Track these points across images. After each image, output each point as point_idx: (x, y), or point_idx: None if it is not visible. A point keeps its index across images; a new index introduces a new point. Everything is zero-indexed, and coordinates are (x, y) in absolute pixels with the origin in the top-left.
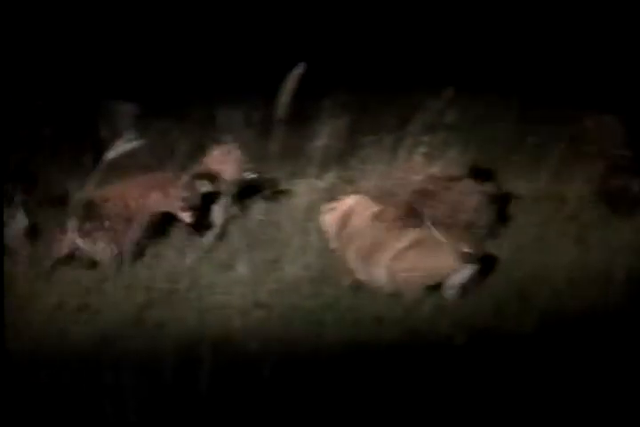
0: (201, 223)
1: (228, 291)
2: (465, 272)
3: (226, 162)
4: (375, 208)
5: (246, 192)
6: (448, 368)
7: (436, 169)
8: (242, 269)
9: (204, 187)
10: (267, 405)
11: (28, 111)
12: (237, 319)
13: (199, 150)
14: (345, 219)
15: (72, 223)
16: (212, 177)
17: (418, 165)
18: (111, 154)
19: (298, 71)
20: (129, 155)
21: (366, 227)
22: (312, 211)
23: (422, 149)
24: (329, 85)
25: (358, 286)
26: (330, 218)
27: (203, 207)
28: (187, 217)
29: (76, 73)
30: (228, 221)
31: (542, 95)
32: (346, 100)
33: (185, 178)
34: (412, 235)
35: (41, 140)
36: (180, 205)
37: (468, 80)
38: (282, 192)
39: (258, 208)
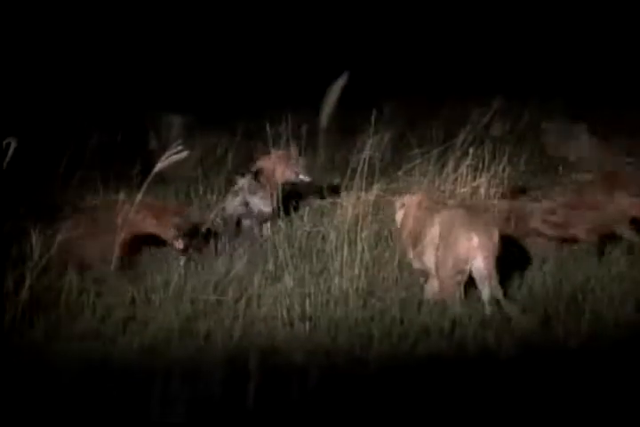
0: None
1: (274, 302)
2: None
3: (282, 163)
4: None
5: (294, 204)
6: (494, 381)
7: (482, 180)
8: (288, 280)
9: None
10: (312, 417)
11: (80, 121)
12: (283, 331)
13: (247, 163)
14: (405, 210)
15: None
16: (265, 177)
17: (464, 178)
18: (159, 165)
19: (342, 81)
20: (176, 166)
21: (417, 217)
22: (358, 223)
23: (468, 162)
24: (375, 97)
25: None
26: (399, 203)
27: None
28: (179, 244)
29: (127, 85)
30: (275, 233)
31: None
32: (392, 112)
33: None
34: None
35: (90, 150)
36: (172, 234)
37: (516, 92)
38: (328, 204)
39: (304, 220)
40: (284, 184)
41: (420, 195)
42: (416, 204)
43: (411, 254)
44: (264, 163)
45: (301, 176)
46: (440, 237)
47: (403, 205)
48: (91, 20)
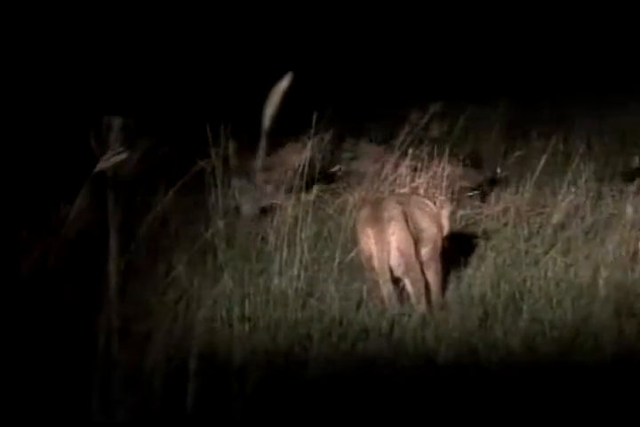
0: None
1: (214, 303)
2: None
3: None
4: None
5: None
6: (432, 380)
7: (421, 181)
8: (228, 281)
9: None
10: (252, 418)
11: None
12: (222, 332)
13: (187, 165)
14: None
15: None
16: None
17: (403, 179)
18: (99, 165)
19: (285, 83)
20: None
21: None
22: (298, 224)
23: (408, 162)
24: (315, 99)
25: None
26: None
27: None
28: None
29: (69, 88)
30: (214, 235)
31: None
32: (332, 113)
33: None
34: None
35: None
36: None
37: (455, 94)
38: (268, 205)
39: (244, 221)
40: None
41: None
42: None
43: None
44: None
45: None
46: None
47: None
48: (28, 21)
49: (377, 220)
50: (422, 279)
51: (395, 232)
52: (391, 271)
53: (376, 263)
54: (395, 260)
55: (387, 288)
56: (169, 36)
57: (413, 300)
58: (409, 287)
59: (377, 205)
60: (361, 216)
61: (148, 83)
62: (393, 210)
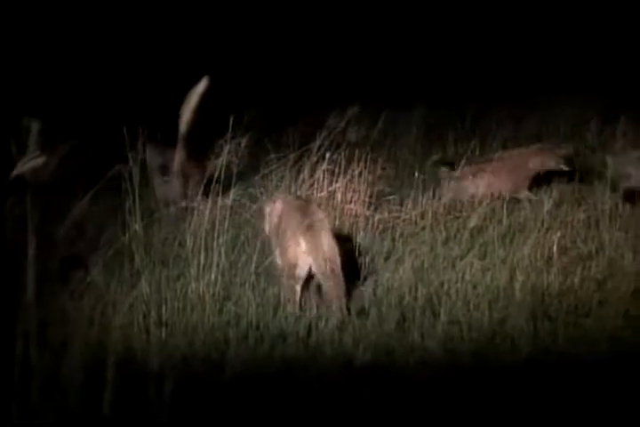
0: None
1: (130, 309)
2: None
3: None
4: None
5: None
6: (350, 387)
7: (338, 185)
8: (144, 286)
9: None
10: (169, 423)
11: None
12: (139, 337)
13: (105, 169)
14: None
15: None
16: None
17: (321, 182)
18: (16, 170)
19: (202, 87)
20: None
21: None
22: (215, 228)
23: (325, 166)
24: (232, 103)
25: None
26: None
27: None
28: None
29: None
30: (131, 239)
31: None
32: (249, 117)
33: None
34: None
35: None
36: None
37: (372, 98)
38: (185, 209)
39: (161, 225)
40: None
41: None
42: (280, 205)
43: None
44: None
45: None
46: (278, 239)
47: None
48: None
49: (308, 227)
50: (343, 285)
51: (326, 241)
52: (311, 278)
53: (300, 271)
54: (323, 268)
55: (296, 294)
56: (87, 39)
57: (334, 304)
58: (330, 292)
59: (304, 212)
60: (289, 223)
61: (66, 85)
62: (321, 217)
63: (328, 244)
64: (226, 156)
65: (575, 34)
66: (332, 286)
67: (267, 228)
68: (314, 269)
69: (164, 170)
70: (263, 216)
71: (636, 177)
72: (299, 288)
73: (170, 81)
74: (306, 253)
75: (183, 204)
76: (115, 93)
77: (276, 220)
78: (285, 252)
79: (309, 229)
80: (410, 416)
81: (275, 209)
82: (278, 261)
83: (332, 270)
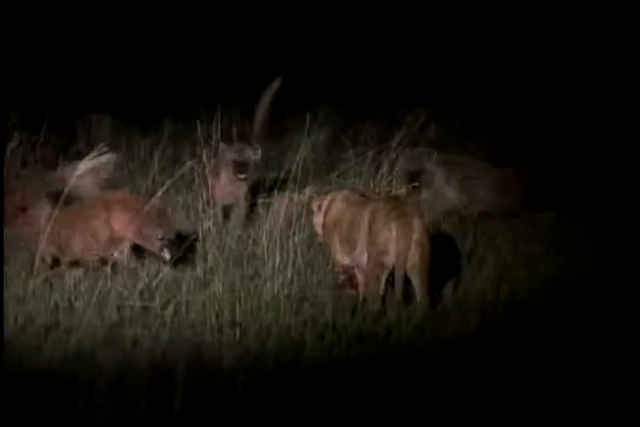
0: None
1: (203, 308)
2: None
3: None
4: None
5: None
6: (426, 383)
7: (417, 183)
8: (218, 285)
9: None
10: (242, 425)
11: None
12: (212, 337)
13: (173, 165)
14: (329, 206)
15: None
16: None
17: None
18: (82, 167)
19: (275, 85)
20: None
21: (344, 210)
22: (290, 226)
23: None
24: (310, 99)
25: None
26: (316, 205)
27: None
28: (166, 254)
29: (55, 83)
30: (204, 237)
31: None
32: (327, 114)
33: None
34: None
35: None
36: (158, 245)
37: (450, 96)
38: (260, 206)
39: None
40: None
41: (343, 190)
42: (341, 198)
43: (337, 250)
44: None
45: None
46: (368, 228)
47: (320, 205)
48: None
49: (400, 215)
50: (429, 280)
51: (418, 229)
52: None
53: (393, 258)
54: (412, 256)
55: (379, 286)
56: (159, 30)
57: (418, 299)
58: (417, 285)
59: (395, 200)
60: (380, 210)
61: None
62: (414, 205)
63: (420, 232)
64: (302, 152)
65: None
66: (420, 279)
67: (319, 223)
68: (402, 258)
69: (241, 167)
70: (313, 212)
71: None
72: (383, 279)
73: (243, 78)
74: (396, 239)
75: (245, 202)
76: (189, 90)
77: (336, 214)
78: (375, 239)
79: (401, 216)
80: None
81: (333, 204)
82: (337, 255)
83: (422, 260)
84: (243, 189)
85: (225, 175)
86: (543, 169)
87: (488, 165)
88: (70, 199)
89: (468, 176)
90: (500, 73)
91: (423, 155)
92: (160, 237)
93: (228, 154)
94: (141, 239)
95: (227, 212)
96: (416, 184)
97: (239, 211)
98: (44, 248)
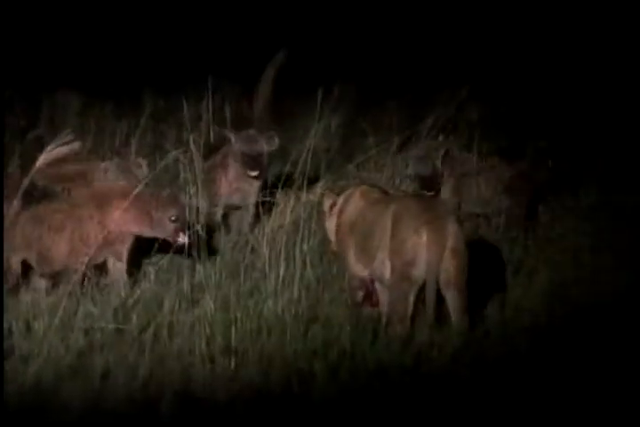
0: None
1: (190, 332)
2: None
3: None
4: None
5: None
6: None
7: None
8: (208, 304)
9: None
10: None
11: None
12: (202, 368)
13: (153, 155)
14: (344, 206)
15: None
16: None
17: None
18: (43, 158)
19: (280, 57)
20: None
21: (363, 211)
22: (298, 230)
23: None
24: (322, 75)
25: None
26: (329, 205)
27: None
28: (182, 238)
29: (11, 55)
30: (192, 244)
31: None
32: (342, 92)
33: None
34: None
35: None
36: (172, 228)
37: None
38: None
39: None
40: None
41: (361, 186)
42: (358, 196)
43: (354, 260)
44: None
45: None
46: (391, 233)
47: (333, 205)
48: None
49: (432, 218)
50: (467, 296)
51: (453, 234)
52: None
53: (422, 270)
54: (447, 268)
55: (408, 305)
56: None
57: (458, 319)
58: (452, 302)
59: (425, 198)
60: (407, 211)
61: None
62: (448, 209)
63: (455, 238)
64: (313, 140)
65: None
66: (456, 296)
67: (332, 227)
68: (434, 270)
69: (253, 162)
70: (325, 213)
71: None
72: (411, 296)
73: (241, 48)
74: (427, 246)
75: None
76: (173, 61)
77: (352, 216)
78: (400, 246)
79: (433, 219)
80: None
81: (349, 203)
82: (353, 266)
83: (458, 272)
84: (254, 187)
85: (233, 170)
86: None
87: (497, 161)
88: (47, 195)
89: (466, 173)
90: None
91: (435, 153)
92: (174, 218)
93: (237, 145)
94: (150, 227)
95: (227, 214)
96: (431, 193)
97: (245, 214)
98: (13, 254)
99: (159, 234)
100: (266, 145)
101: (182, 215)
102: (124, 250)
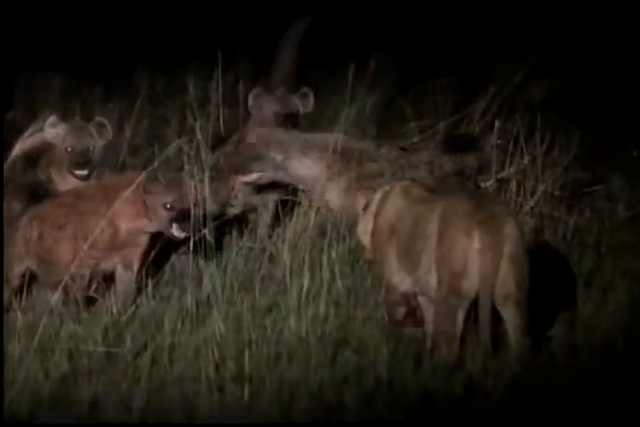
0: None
1: (195, 356)
2: None
3: None
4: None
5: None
6: None
7: (513, 169)
8: (217, 323)
9: None
10: None
11: None
12: (209, 398)
13: (152, 144)
14: (381, 205)
15: None
16: None
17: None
18: (18, 148)
19: (302, 25)
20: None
21: (403, 211)
22: (325, 235)
23: (495, 140)
24: (354, 46)
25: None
26: (362, 204)
27: None
28: (176, 230)
29: None
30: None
31: None
32: (379, 68)
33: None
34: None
35: None
36: (166, 217)
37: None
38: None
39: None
40: None
41: (402, 183)
42: (399, 192)
43: (393, 270)
44: None
45: None
46: (438, 237)
47: (366, 206)
48: None
49: (487, 217)
50: (528, 315)
51: (512, 236)
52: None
53: (475, 282)
54: (504, 281)
55: (484, 319)
56: None
57: (517, 341)
58: (511, 321)
59: (478, 196)
60: (456, 210)
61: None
62: (505, 209)
63: (514, 243)
64: (343, 125)
65: None
66: (515, 313)
67: (366, 231)
68: (489, 283)
69: (285, 118)
70: (357, 214)
71: None
72: (461, 313)
73: (256, 15)
74: (480, 252)
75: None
76: (176, 32)
77: (391, 217)
78: (448, 253)
79: (489, 221)
80: None
81: (388, 202)
82: (392, 277)
83: (517, 284)
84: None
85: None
86: None
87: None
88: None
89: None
90: None
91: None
92: (168, 205)
93: (267, 105)
94: (146, 216)
95: (245, 214)
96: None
97: (263, 214)
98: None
99: (159, 227)
100: (301, 105)
101: (179, 203)
102: (136, 256)
